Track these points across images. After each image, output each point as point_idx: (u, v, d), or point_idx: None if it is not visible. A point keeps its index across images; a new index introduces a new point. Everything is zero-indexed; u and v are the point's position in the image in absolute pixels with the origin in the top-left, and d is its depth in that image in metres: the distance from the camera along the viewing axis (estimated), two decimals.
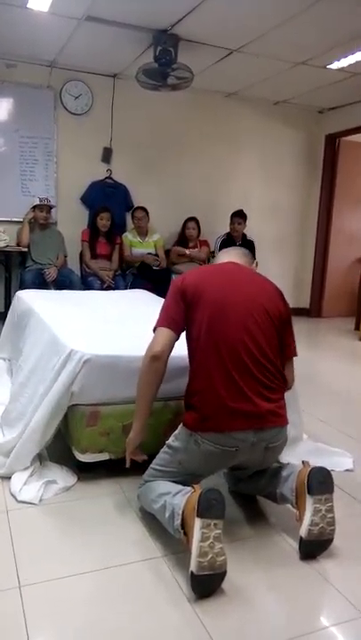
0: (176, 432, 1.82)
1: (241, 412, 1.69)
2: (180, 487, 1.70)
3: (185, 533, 1.56)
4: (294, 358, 1.95)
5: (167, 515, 1.64)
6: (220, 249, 5.31)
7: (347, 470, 2.35)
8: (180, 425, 1.81)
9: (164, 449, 1.85)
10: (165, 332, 1.78)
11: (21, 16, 3.81)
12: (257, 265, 2.10)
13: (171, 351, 1.78)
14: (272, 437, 1.75)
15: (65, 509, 1.95)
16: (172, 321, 1.79)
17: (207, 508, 1.50)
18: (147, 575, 1.62)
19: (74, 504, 1.99)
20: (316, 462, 2.21)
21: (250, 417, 1.70)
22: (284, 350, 1.89)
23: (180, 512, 1.58)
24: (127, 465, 1.93)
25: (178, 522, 1.58)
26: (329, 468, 2.11)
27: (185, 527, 1.56)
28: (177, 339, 1.80)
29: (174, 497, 1.65)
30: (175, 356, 1.83)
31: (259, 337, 1.74)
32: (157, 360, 1.75)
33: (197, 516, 1.50)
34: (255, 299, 1.80)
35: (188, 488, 1.64)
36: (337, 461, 2.39)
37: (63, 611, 1.46)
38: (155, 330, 1.82)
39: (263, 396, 1.72)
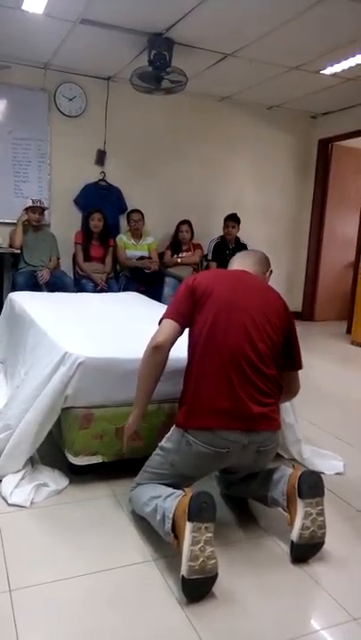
0: (168, 434, 1.82)
1: (232, 412, 1.70)
2: (171, 490, 1.70)
3: (176, 537, 1.56)
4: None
5: (158, 518, 1.64)
6: (214, 252, 5.38)
7: (337, 474, 2.36)
8: (173, 426, 1.81)
9: (157, 451, 1.85)
10: (170, 324, 1.81)
11: (16, 17, 3.81)
12: (271, 273, 2.10)
13: (173, 343, 1.80)
14: (263, 441, 1.76)
15: (56, 513, 1.94)
16: (179, 314, 1.83)
17: (198, 511, 1.50)
18: (138, 579, 1.62)
19: (65, 507, 1.98)
20: (310, 465, 2.23)
21: (241, 418, 1.70)
22: (291, 363, 1.92)
23: (171, 515, 1.58)
24: (124, 450, 1.93)
25: (168, 526, 1.58)
26: (320, 471, 2.12)
27: (176, 530, 1.56)
28: (181, 332, 1.83)
29: (165, 500, 1.65)
30: (170, 359, 1.83)
31: (259, 344, 1.76)
32: (159, 350, 1.78)
33: (188, 519, 1.50)
34: (260, 307, 1.82)
35: (180, 491, 1.64)
36: (328, 464, 2.40)
37: (54, 615, 1.45)
38: (160, 321, 1.85)
39: (256, 399, 1.73)
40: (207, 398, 1.72)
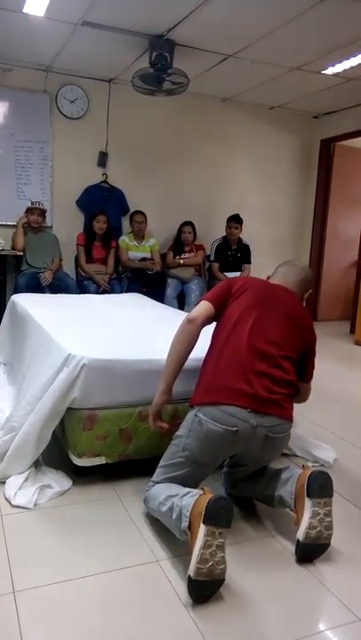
0: (183, 422, 1.87)
1: (244, 392, 1.74)
2: (187, 489, 1.70)
3: (190, 535, 1.55)
4: None
5: (174, 516, 1.63)
6: (216, 253, 5.37)
7: (325, 465, 2.40)
8: (188, 412, 1.86)
9: (171, 442, 1.88)
10: (206, 305, 1.97)
11: (17, 20, 3.82)
12: (310, 294, 2.17)
13: (205, 321, 1.94)
14: (273, 426, 1.77)
15: (60, 514, 1.94)
16: (216, 299, 1.98)
17: (214, 515, 1.50)
18: (142, 580, 1.61)
19: (69, 509, 1.98)
20: (303, 453, 2.43)
21: (251, 398, 1.74)
22: (304, 374, 2.02)
23: (188, 514, 1.57)
24: (151, 429, 1.99)
25: (185, 524, 1.57)
26: (312, 460, 2.34)
27: (191, 529, 1.55)
28: (213, 316, 1.96)
29: (182, 498, 1.64)
30: None
31: (277, 340, 1.85)
32: (192, 322, 1.91)
33: (203, 521, 1.49)
34: (286, 315, 1.93)
35: (197, 490, 1.64)
36: (320, 454, 2.46)
37: (57, 616, 1.45)
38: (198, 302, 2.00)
39: (268, 387, 1.78)
40: (223, 379, 1.79)
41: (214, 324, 1.99)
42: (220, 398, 1.75)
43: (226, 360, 1.82)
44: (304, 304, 2.11)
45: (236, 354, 1.81)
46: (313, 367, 2.06)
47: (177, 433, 1.86)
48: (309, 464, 2.38)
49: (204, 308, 1.95)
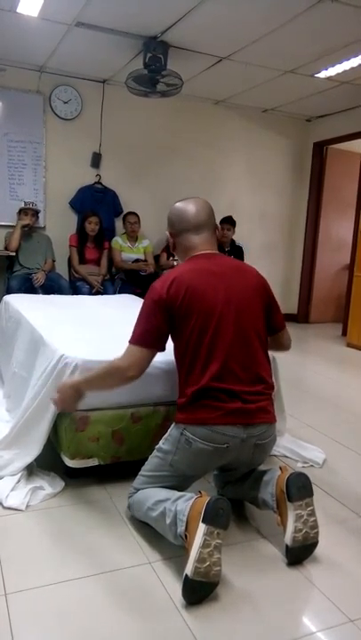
0: (166, 435, 1.82)
1: (230, 408, 1.70)
2: (178, 493, 1.69)
3: (187, 537, 1.55)
4: (282, 361, 1.99)
5: (168, 521, 1.62)
6: None
7: (314, 466, 2.42)
8: (171, 427, 1.81)
9: (155, 453, 1.84)
10: (144, 353, 1.77)
11: (11, 20, 3.81)
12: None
13: (142, 371, 1.79)
14: (261, 434, 1.76)
15: (52, 516, 1.94)
16: (154, 336, 1.79)
17: (214, 515, 1.50)
18: (135, 581, 1.61)
19: (61, 510, 1.97)
20: (292, 454, 2.42)
21: (238, 412, 1.71)
22: (275, 325, 1.94)
23: (185, 518, 1.56)
24: (57, 409, 1.96)
25: (182, 528, 1.56)
26: (302, 460, 2.34)
27: (187, 530, 1.55)
28: (158, 350, 1.80)
29: (175, 503, 1.64)
30: (165, 361, 1.83)
31: (249, 343, 1.77)
32: (122, 374, 1.78)
33: (202, 521, 1.49)
34: (244, 302, 1.80)
35: (190, 494, 1.64)
36: (309, 455, 2.47)
37: (50, 618, 1.44)
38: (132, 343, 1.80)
39: (254, 399, 1.74)
40: (209, 397, 1.72)
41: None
42: (210, 419, 1.70)
43: (209, 376, 1.71)
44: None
45: (218, 368, 1.70)
46: (281, 314, 1.96)
47: (162, 446, 1.81)
48: (299, 464, 2.41)
49: (138, 356, 1.75)
